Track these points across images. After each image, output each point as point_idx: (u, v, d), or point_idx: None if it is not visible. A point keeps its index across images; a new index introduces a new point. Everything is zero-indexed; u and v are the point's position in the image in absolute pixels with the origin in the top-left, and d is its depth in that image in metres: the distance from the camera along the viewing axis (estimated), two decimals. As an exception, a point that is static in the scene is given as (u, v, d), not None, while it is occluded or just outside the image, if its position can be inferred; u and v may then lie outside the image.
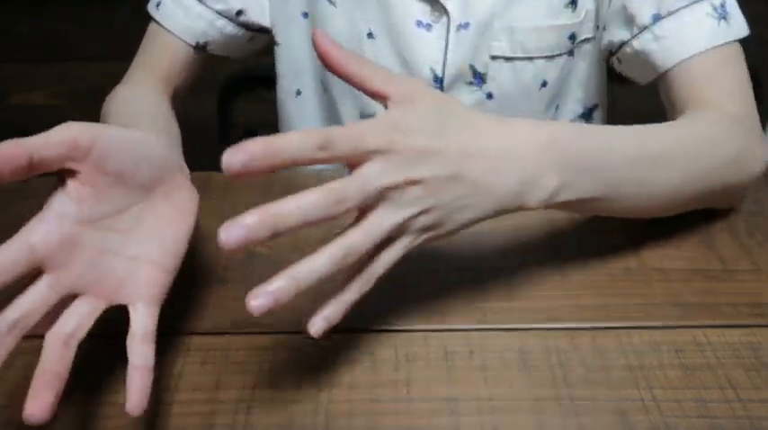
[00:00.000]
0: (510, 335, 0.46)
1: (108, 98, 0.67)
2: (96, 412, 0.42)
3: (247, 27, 0.72)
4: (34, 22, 1.27)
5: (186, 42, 0.70)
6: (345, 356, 0.45)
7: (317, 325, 0.38)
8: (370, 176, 0.37)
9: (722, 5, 0.61)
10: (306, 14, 0.70)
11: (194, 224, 0.44)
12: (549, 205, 0.43)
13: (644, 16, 0.62)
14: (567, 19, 0.65)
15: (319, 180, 0.62)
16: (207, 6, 0.69)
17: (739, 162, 0.52)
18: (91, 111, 1.45)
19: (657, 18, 0.61)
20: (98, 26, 1.24)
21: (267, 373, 0.44)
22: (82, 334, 0.39)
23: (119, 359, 0.45)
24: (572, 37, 0.66)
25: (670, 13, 0.61)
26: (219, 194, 0.60)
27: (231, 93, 1.21)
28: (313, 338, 0.43)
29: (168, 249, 0.41)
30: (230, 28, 0.71)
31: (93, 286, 0.39)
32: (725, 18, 0.60)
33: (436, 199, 0.39)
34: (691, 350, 0.45)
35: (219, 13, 0.70)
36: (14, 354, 0.46)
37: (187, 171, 0.46)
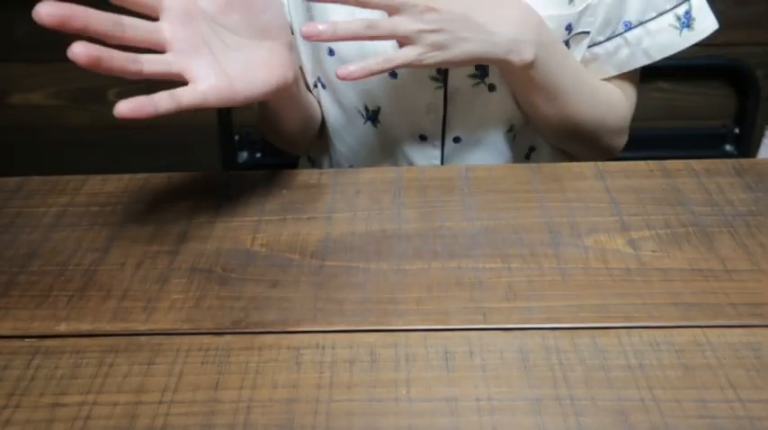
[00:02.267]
0: (510, 335, 0.46)
1: None
2: (96, 412, 0.42)
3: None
4: (34, 22, 1.27)
5: None
6: (345, 356, 0.45)
7: (351, 68, 0.54)
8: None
9: (687, 12, 0.68)
10: (307, 9, 0.71)
11: (282, 84, 0.53)
12: (523, 71, 0.60)
13: (619, 23, 0.69)
14: (563, 9, 0.66)
15: (320, 180, 0.62)
16: None
17: (620, 131, 0.74)
18: (91, 111, 1.46)
19: (629, 26, 0.69)
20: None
21: (267, 373, 0.44)
22: (149, 68, 0.47)
23: (117, 358, 0.45)
24: (569, 28, 0.67)
25: (640, 23, 0.69)
26: (219, 194, 0.61)
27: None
28: (314, 336, 0.43)
29: (247, 80, 0.51)
30: None
31: (181, 53, 0.48)
32: (689, 26, 0.68)
33: (447, 24, 0.55)
34: (691, 350, 0.45)
35: None
36: (14, 355, 0.46)
37: (294, 51, 0.58)
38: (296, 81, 0.57)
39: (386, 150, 0.75)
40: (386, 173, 0.63)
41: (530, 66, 0.59)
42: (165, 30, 0.48)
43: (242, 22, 0.51)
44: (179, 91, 0.47)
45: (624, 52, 0.70)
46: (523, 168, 0.63)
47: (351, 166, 0.78)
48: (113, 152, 1.43)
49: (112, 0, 0.46)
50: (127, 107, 0.44)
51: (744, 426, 0.40)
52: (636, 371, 0.43)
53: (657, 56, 0.69)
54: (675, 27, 0.68)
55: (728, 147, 1.39)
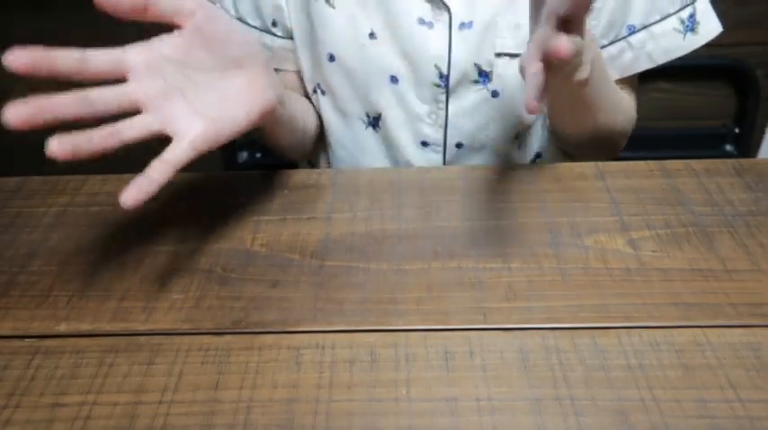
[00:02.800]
0: (510, 335, 0.46)
1: None
2: (96, 412, 0.42)
3: (287, 35, 0.73)
4: (34, 22, 1.27)
5: None
6: (345, 356, 0.45)
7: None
8: None
9: (691, 16, 0.68)
10: (308, 15, 0.70)
11: (265, 110, 0.51)
12: (579, 88, 0.57)
13: (623, 26, 0.68)
14: None
15: (320, 181, 0.62)
16: (247, 24, 0.72)
17: (627, 133, 0.74)
18: (91, 111, 1.44)
19: (632, 30, 0.68)
20: (98, 26, 1.24)
21: (267, 373, 0.44)
22: (128, 135, 0.46)
23: (117, 358, 0.45)
24: None
25: (644, 27, 0.68)
26: (220, 194, 0.61)
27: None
28: (314, 336, 0.43)
29: (229, 117, 0.49)
30: (272, 40, 0.72)
31: (157, 109, 0.46)
32: (693, 29, 0.68)
33: None
34: (691, 350, 0.45)
35: (259, 28, 0.72)
36: (14, 354, 0.46)
37: (273, 72, 0.54)
38: (280, 101, 0.55)
39: (387, 156, 0.75)
40: (386, 173, 0.63)
41: (585, 83, 0.56)
42: (134, 91, 0.46)
43: (209, 58, 0.48)
44: (168, 155, 0.46)
45: (628, 56, 0.70)
46: (523, 168, 0.63)
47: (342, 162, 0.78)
48: (113, 152, 1.43)
49: (74, 77, 0.44)
50: (131, 196, 0.44)
51: (744, 426, 0.40)
52: (636, 371, 0.43)
53: (661, 60, 0.69)
54: (679, 31, 0.68)
55: (728, 147, 1.39)
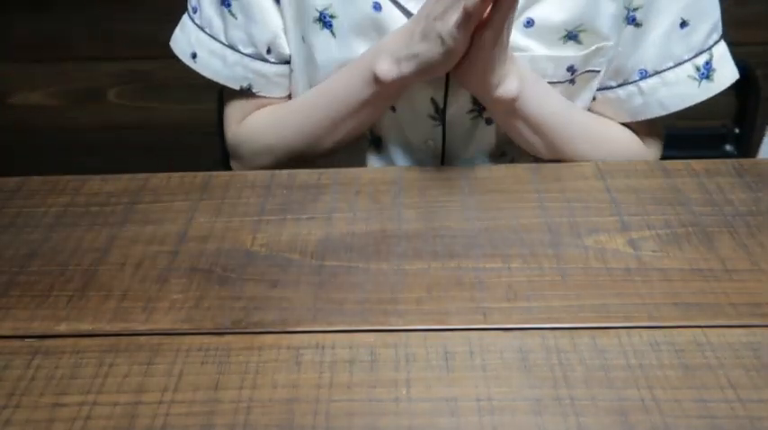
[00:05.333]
0: (510, 335, 0.46)
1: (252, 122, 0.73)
2: (96, 412, 0.42)
3: (282, 61, 0.71)
4: (34, 22, 1.27)
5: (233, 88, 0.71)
6: (345, 356, 0.45)
7: None
8: None
9: (707, 63, 0.65)
10: (303, 39, 0.69)
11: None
12: (510, 104, 0.61)
13: (634, 71, 0.67)
14: (565, 51, 0.64)
15: (320, 181, 0.62)
16: (240, 52, 0.69)
17: None
18: (91, 111, 1.45)
19: (644, 75, 0.67)
20: (98, 26, 1.24)
21: (267, 373, 0.44)
22: None
23: (117, 358, 0.45)
24: (570, 69, 0.65)
25: (656, 73, 0.66)
26: (219, 194, 0.61)
27: (231, 93, 1.20)
28: (313, 332, 0.43)
29: None
30: (266, 68, 0.70)
31: None
32: (708, 77, 0.66)
33: None
34: (691, 350, 0.45)
35: (252, 56, 0.69)
36: (14, 354, 0.46)
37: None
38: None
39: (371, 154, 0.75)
40: (386, 173, 0.63)
41: (515, 99, 0.60)
42: None
43: None
44: None
45: (638, 101, 0.68)
46: (523, 168, 0.63)
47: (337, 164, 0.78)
48: (113, 152, 1.43)
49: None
50: None
51: (744, 426, 0.40)
52: (636, 371, 0.43)
53: (674, 107, 0.67)
54: (694, 78, 0.65)
55: (728, 147, 1.38)
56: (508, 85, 0.60)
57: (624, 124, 0.71)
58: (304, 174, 0.63)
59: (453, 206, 0.58)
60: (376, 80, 0.61)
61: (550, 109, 0.65)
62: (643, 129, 0.71)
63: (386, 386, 0.43)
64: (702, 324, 0.46)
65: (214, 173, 0.63)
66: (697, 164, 0.62)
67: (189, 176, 0.63)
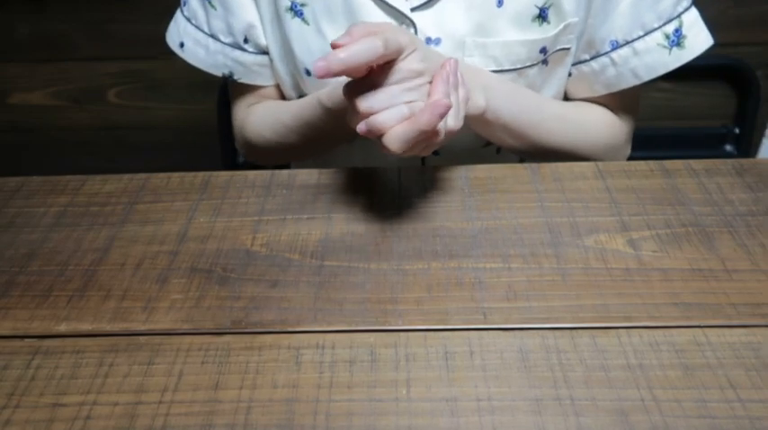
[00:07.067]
0: (510, 335, 0.46)
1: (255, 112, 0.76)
2: (96, 412, 0.42)
3: (259, 51, 0.73)
4: (34, 22, 1.27)
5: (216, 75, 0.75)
6: (345, 356, 0.45)
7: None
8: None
9: (677, 30, 0.66)
10: (284, 32, 0.70)
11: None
12: (479, 116, 0.62)
13: (605, 42, 0.68)
14: (537, 33, 0.65)
15: (320, 181, 0.62)
16: (220, 41, 0.72)
17: (609, 151, 0.73)
18: (91, 111, 1.45)
19: (615, 45, 0.67)
20: (98, 26, 1.24)
21: (267, 373, 0.44)
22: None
23: (117, 358, 0.45)
24: (543, 50, 0.66)
25: (627, 43, 0.67)
26: (219, 194, 0.61)
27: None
28: (312, 335, 0.43)
29: None
30: (245, 56, 0.73)
31: None
32: (678, 44, 0.66)
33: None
34: (691, 350, 0.45)
35: (231, 44, 0.72)
36: (14, 354, 0.46)
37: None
38: None
39: (369, 151, 0.75)
40: (386, 173, 0.63)
41: (484, 111, 0.61)
42: None
43: None
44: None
45: (611, 72, 0.68)
46: (523, 168, 0.63)
47: (334, 162, 0.79)
48: (113, 152, 1.43)
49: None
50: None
51: (744, 426, 0.40)
52: (636, 371, 0.43)
53: (647, 76, 0.67)
54: (664, 46, 0.66)
55: (728, 147, 1.39)
56: (474, 100, 0.60)
57: (598, 101, 0.73)
58: (304, 174, 0.63)
59: (453, 206, 0.58)
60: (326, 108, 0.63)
61: (520, 107, 0.65)
62: (616, 101, 0.72)
63: (386, 386, 0.43)
64: (702, 324, 0.46)
65: (214, 173, 0.63)
66: (697, 164, 0.62)
67: (189, 176, 0.63)
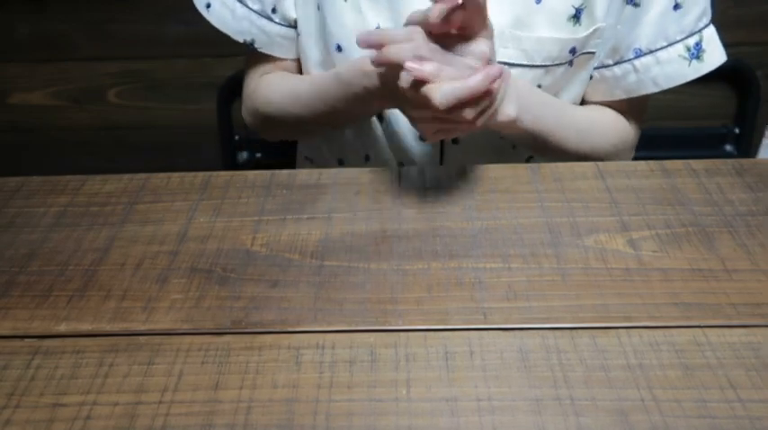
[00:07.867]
0: (510, 335, 0.46)
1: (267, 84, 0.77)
2: (96, 412, 0.42)
3: (287, 23, 0.74)
4: (34, 22, 1.27)
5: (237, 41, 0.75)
6: (345, 356, 0.45)
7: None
8: None
9: (697, 44, 0.69)
10: (318, 7, 0.71)
11: None
12: (511, 126, 0.62)
13: (629, 49, 0.70)
14: (569, 33, 0.67)
15: (320, 181, 0.62)
16: (247, 7, 0.73)
17: (616, 154, 0.75)
18: (91, 111, 1.45)
19: (639, 53, 0.70)
20: (98, 26, 1.24)
21: (267, 373, 0.44)
22: None
23: (117, 358, 0.45)
24: (573, 50, 0.68)
25: (650, 51, 0.70)
26: (219, 194, 0.61)
27: (230, 94, 1.21)
28: (314, 333, 0.43)
29: None
30: (270, 26, 0.74)
31: None
32: (698, 57, 0.69)
33: None
34: (691, 350, 0.45)
35: (258, 12, 0.73)
36: (14, 354, 0.46)
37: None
38: None
39: (388, 143, 0.75)
40: (386, 173, 0.63)
41: (514, 120, 0.61)
42: None
43: None
44: None
45: (632, 78, 0.71)
46: (523, 168, 0.63)
47: (350, 157, 0.79)
48: (113, 152, 1.43)
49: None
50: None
51: (744, 426, 0.40)
52: (636, 371, 0.43)
53: (665, 85, 0.70)
54: (685, 58, 0.69)
55: (728, 147, 1.39)
56: (506, 109, 0.60)
57: (611, 104, 0.75)
58: (304, 174, 0.63)
59: (453, 206, 0.58)
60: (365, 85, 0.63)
61: (545, 116, 0.67)
62: (630, 106, 0.75)
63: (386, 386, 0.43)
64: (702, 324, 0.46)
65: (214, 173, 0.63)
66: (697, 164, 0.62)
67: (189, 176, 0.63)
